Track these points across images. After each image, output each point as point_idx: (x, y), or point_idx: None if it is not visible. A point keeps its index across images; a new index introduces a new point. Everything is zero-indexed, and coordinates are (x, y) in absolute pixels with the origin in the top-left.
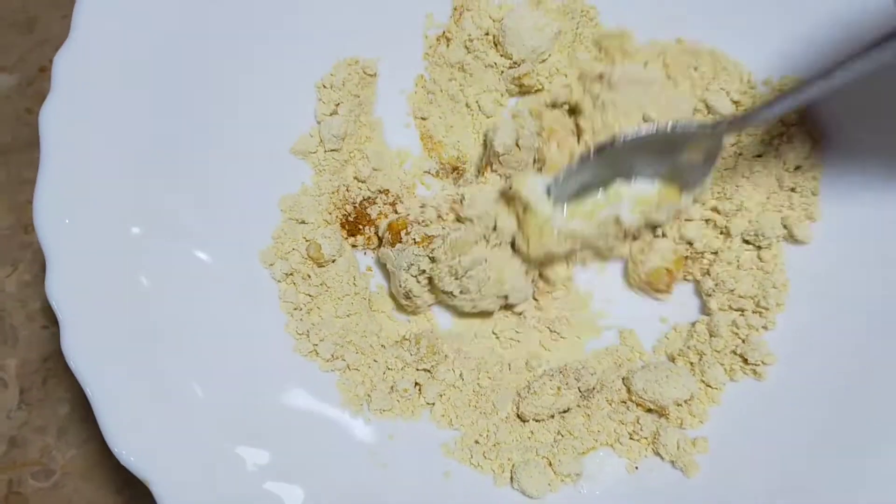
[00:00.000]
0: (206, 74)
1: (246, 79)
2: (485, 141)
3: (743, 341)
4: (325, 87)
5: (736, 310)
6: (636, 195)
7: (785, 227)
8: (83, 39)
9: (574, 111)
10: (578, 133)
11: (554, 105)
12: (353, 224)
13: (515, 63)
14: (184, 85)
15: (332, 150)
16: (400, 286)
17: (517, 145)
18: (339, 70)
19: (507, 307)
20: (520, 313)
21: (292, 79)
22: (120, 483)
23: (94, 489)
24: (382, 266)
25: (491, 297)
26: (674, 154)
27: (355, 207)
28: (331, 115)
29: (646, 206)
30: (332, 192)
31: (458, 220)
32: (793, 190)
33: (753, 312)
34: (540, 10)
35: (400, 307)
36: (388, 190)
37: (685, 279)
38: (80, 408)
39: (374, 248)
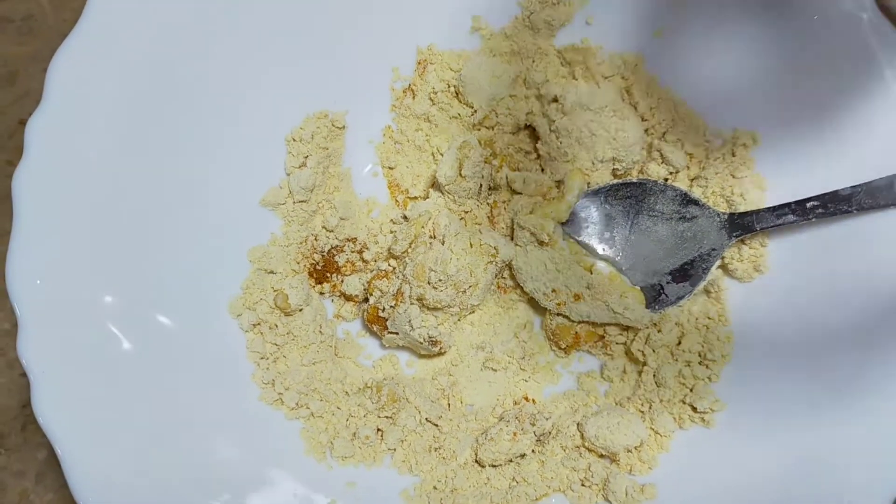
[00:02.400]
0: (177, 133)
1: (217, 135)
2: None
3: (690, 390)
4: (294, 140)
5: (682, 362)
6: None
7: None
8: (56, 103)
9: (534, 135)
10: (538, 157)
11: (515, 130)
12: (321, 272)
13: (476, 111)
14: (154, 146)
15: (300, 202)
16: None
17: (461, 175)
18: (308, 124)
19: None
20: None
21: (263, 133)
22: None
23: None
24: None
25: (474, 287)
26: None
27: (323, 256)
28: (300, 167)
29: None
30: (301, 242)
31: (392, 256)
32: (742, 242)
33: (700, 364)
34: (495, 57)
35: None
36: (355, 238)
37: (589, 352)
38: None
39: (339, 296)
